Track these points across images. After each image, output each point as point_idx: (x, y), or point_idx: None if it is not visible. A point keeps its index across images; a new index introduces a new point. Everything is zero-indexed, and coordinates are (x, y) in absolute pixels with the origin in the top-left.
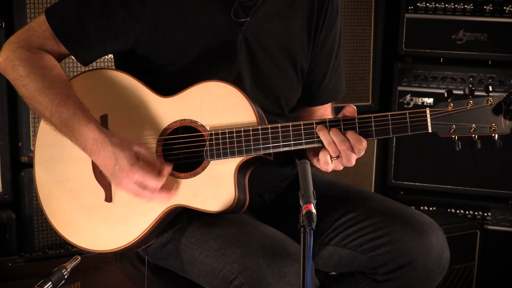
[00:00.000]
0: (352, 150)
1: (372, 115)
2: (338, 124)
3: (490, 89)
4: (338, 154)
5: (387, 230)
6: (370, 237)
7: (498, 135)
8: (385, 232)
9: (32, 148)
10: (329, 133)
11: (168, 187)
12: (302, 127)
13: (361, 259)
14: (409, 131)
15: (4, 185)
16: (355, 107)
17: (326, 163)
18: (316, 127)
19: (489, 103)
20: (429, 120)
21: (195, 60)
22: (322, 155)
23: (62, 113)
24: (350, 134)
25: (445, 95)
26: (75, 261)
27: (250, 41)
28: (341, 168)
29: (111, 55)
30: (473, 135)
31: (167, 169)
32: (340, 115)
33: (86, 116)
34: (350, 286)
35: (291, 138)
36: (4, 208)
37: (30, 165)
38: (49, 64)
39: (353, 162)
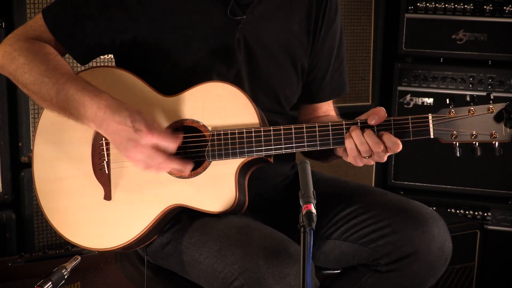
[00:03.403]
0: (386, 151)
1: (359, 119)
2: (341, 125)
3: (492, 96)
4: (370, 154)
5: (388, 221)
6: (371, 229)
7: (498, 143)
8: (386, 224)
9: (32, 148)
10: (363, 134)
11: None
12: (304, 129)
13: (363, 251)
14: (411, 136)
15: (4, 185)
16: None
17: (356, 160)
18: (349, 128)
19: (490, 110)
20: (431, 126)
21: (193, 59)
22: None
23: (70, 89)
24: (386, 137)
25: (447, 101)
26: (75, 261)
27: (248, 39)
28: (372, 163)
29: (111, 55)
30: (474, 142)
31: (180, 136)
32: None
33: (97, 89)
34: (353, 280)
35: (293, 140)
36: (4, 208)
37: (30, 165)
38: (52, 51)
39: (385, 159)
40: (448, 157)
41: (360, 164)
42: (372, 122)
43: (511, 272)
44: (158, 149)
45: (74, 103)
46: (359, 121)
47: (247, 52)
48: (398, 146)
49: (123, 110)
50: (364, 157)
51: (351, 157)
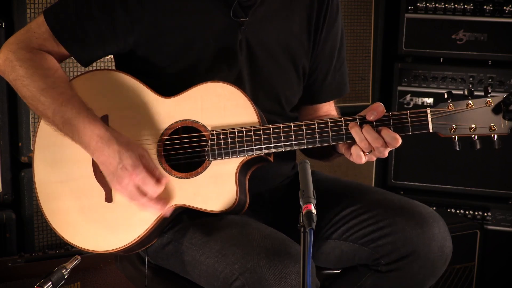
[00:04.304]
0: (386, 146)
1: (359, 116)
2: (340, 121)
3: (489, 90)
4: (370, 150)
5: (388, 221)
6: (371, 229)
7: (497, 136)
8: (386, 223)
9: (32, 148)
10: (361, 131)
11: (164, 196)
12: (304, 127)
13: (363, 251)
14: (410, 130)
15: (4, 185)
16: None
17: (359, 156)
18: (348, 124)
19: (489, 103)
20: (430, 120)
21: (195, 61)
22: (354, 149)
23: (66, 112)
24: (384, 132)
25: (445, 96)
26: (75, 261)
27: (250, 41)
28: (374, 159)
29: (111, 56)
30: (473, 135)
31: (165, 179)
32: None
33: (91, 115)
34: (354, 280)
35: (293, 138)
36: (4, 208)
37: (30, 165)
38: (52, 66)
39: (387, 154)
40: (448, 157)
41: (363, 161)
42: (370, 117)
43: (511, 272)
44: (139, 189)
45: (69, 127)
46: (358, 117)
47: (249, 54)
48: (397, 141)
49: (114, 143)
50: (365, 153)
51: (354, 155)
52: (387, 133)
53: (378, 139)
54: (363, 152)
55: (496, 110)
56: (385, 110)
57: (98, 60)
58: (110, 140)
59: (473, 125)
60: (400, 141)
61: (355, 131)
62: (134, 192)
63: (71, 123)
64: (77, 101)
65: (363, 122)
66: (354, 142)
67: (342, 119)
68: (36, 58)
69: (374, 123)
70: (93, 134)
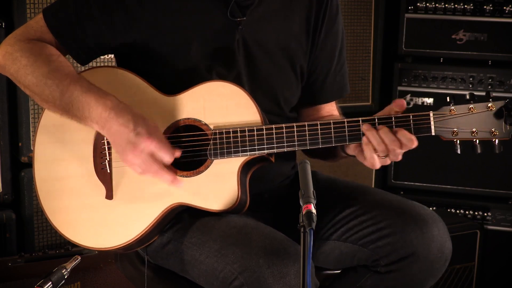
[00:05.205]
0: (401, 148)
1: (376, 116)
2: (342, 123)
3: (491, 94)
4: (387, 153)
5: (388, 222)
6: (371, 230)
7: (498, 140)
8: (386, 225)
9: (32, 148)
10: (378, 133)
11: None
12: (306, 127)
13: (363, 252)
14: (412, 133)
15: (4, 185)
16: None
17: (373, 159)
18: (362, 125)
19: (490, 108)
20: (432, 123)
21: (193, 60)
22: (369, 153)
23: (75, 91)
24: (401, 133)
25: (447, 99)
26: (75, 261)
27: (248, 41)
28: (389, 162)
29: (111, 55)
30: (474, 139)
31: (178, 150)
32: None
33: (102, 90)
34: (353, 280)
35: (296, 138)
36: (4, 208)
37: (30, 165)
38: (54, 52)
39: (400, 157)
40: (448, 157)
41: (377, 166)
42: (396, 109)
43: (511, 272)
44: (154, 157)
45: (78, 104)
46: (360, 119)
47: (246, 54)
48: (412, 142)
49: (128, 113)
50: (380, 157)
51: (369, 160)
52: (403, 134)
53: (396, 141)
54: (378, 156)
55: (498, 115)
56: (405, 105)
57: (99, 59)
58: (124, 110)
59: (474, 129)
60: (416, 142)
61: (372, 134)
62: (147, 159)
63: (81, 99)
64: (84, 80)
65: (365, 121)
66: (359, 143)
67: (345, 120)
68: (36, 47)
69: (376, 125)
70: (105, 106)
